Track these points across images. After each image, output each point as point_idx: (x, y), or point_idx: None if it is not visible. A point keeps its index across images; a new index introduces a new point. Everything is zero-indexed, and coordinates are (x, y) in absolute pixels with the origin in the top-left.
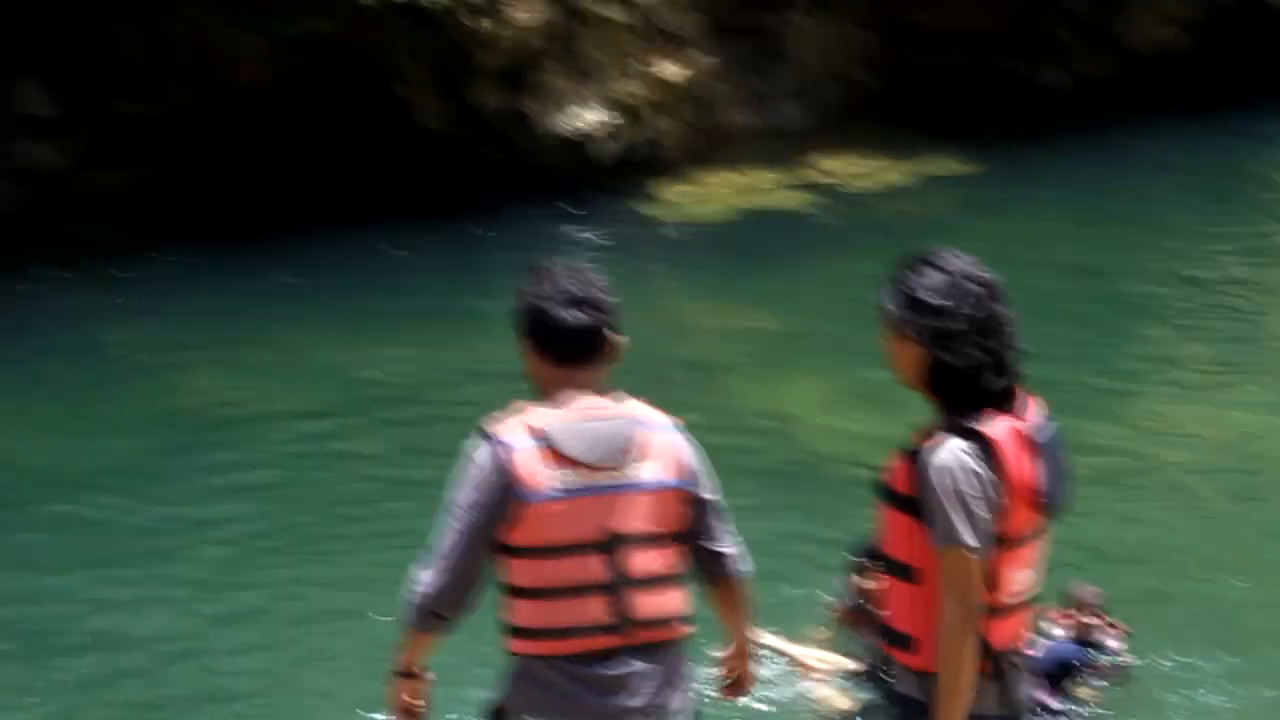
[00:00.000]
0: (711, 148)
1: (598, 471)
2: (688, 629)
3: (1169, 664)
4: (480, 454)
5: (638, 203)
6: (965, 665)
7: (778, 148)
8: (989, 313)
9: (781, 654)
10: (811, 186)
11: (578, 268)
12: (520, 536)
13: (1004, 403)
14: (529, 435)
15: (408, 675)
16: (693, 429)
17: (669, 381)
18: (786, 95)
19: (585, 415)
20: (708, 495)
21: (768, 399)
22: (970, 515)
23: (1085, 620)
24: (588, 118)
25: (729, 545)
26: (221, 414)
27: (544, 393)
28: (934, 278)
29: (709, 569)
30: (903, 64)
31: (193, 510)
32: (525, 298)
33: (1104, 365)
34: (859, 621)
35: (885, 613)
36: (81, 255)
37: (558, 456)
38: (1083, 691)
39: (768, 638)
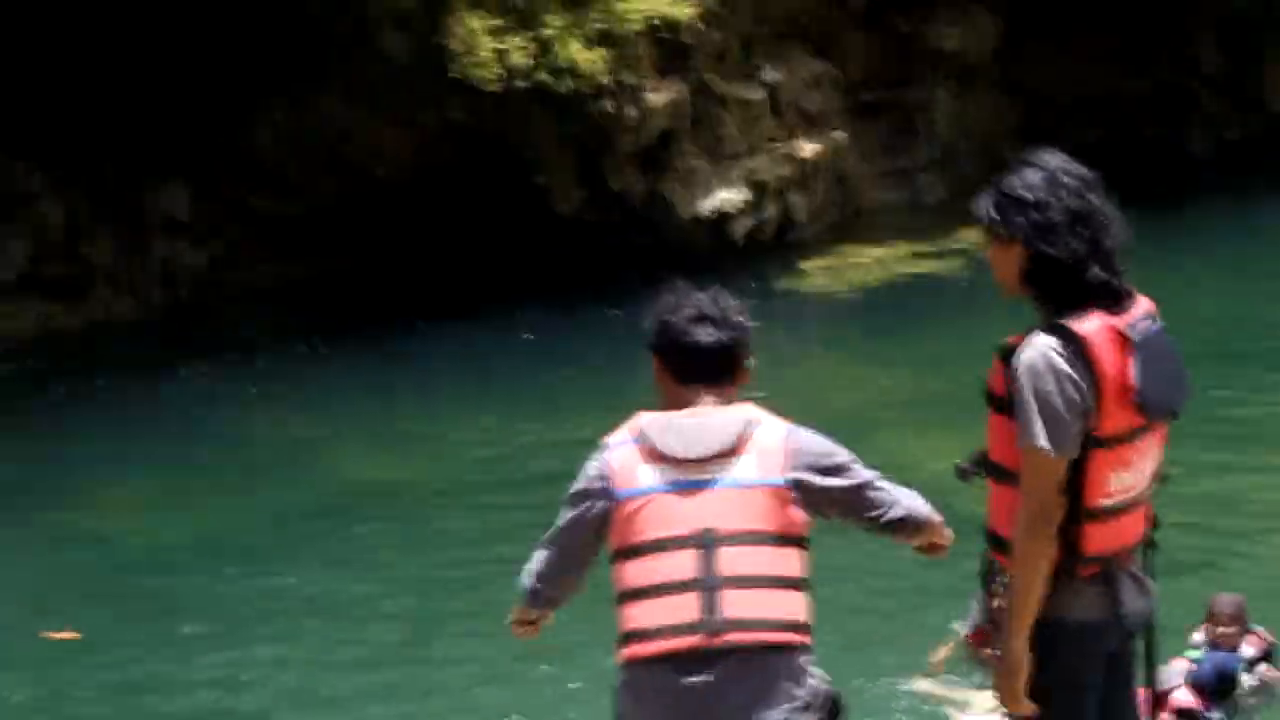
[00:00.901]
0: (850, 223)
1: (693, 467)
2: (793, 638)
3: None
4: (589, 460)
5: (778, 279)
6: (1034, 567)
7: (916, 221)
8: (1087, 204)
9: (937, 699)
10: (949, 255)
11: (712, 287)
12: (620, 536)
13: (1109, 298)
14: (629, 435)
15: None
16: None
17: None
18: (924, 169)
19: (691, 415)
20: (841, 484)
21: (906, 455)
22: (1050, 416)
23: (1223, 630)
24: (726, 196)
25: (894, 512)
26: (362, 495)
27: (669, 409)
28: (1029, 175)
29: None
30: (1042, 133)
31: (334, 585)
32: (657, 312)
33: (1243, 419)
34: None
35: (989, 515)
36: (227, 351)
37: (654, 453)
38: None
39: (921, 684)
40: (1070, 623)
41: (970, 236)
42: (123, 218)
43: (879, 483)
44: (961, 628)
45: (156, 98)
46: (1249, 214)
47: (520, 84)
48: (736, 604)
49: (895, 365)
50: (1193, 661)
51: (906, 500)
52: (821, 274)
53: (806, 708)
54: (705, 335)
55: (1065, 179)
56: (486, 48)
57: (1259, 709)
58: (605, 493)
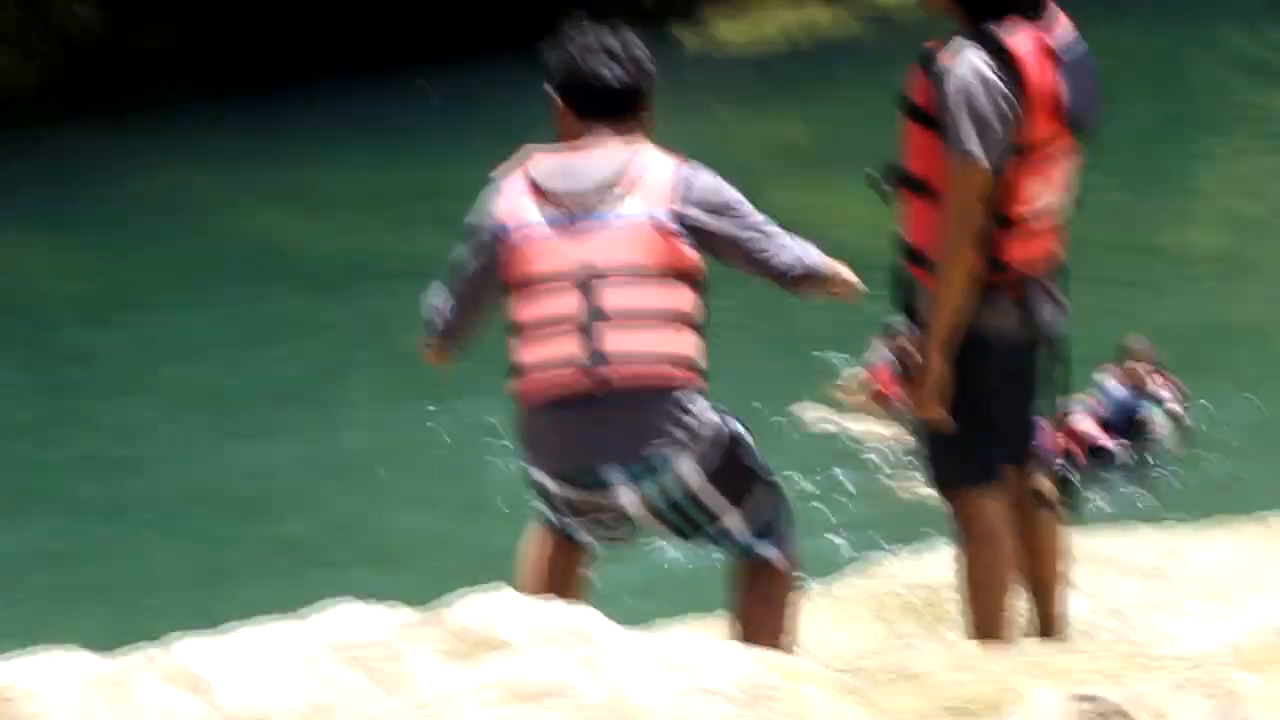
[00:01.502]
0: None
1: (577, 203)
2: (676, 374)
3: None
4: (482, 196)
5: (684, 33)
6: (958, 274)
7: None
8: None
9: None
10: (864, 17)
11: (620, 27)
12: (508, 271)
13: (1029, 7)
14: (520, 174)
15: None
16: None
17: None
18: None
19: (580, 153)
20: (744, 230)
21: (804, 201)
22: (981, 126)
23: (1137, 369)
24: None
25: (782, 260)
26: (267, 249)
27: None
28: None
29: (783, 286)
30: None
31: (226, 329)
32: (561, 46)
33: (1159, 149)
34: (892, 389)
35: (904, 229)
36: (128, 112)
37: (539, 190)
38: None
39: (809, 411)
40: (986, 333)
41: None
42: None
43: (769, 227)
44: (857, 366)
45: None
46: None
47: None
48: (616, 339)
49: (797, 119)
50: (1098, 398)
51: (800, 250)
52: (726, 31)
53: (692, 439)
54: (608, 70)
55: None
56: None
57: (1165, 450)
58: (493, 228)
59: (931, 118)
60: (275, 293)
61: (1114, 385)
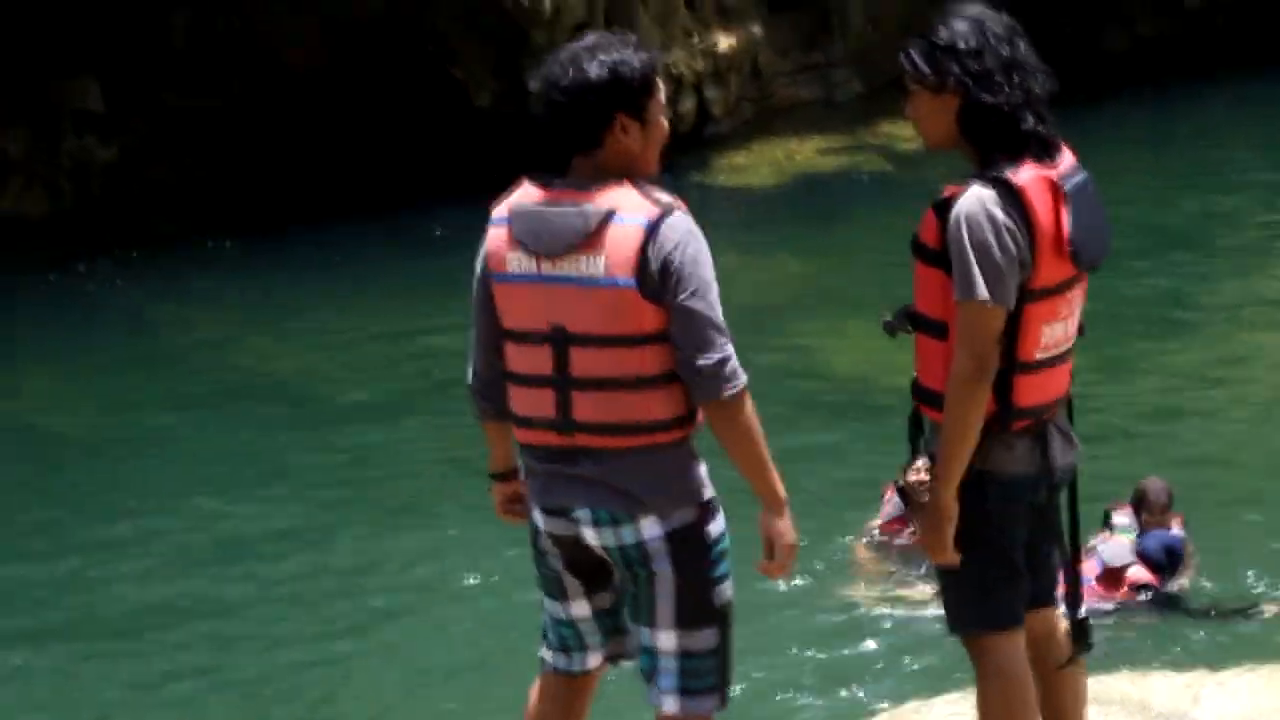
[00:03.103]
0: (766, 118)
1: (544, 260)
2: (650, 439)
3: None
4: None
5: (692, 172)
6: (970, 419)
7: (831, 117)
8: (1017, 51)
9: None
10: (862, 150)
11: (587, 43)
12: (501, 317)
13: (1042, 148)
14: (506, 213)
15: (497, 477)
16: (747, 369)
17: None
18: (839, 65)
19: (553, 198)
20: (675, 300)
21: (816, 342)
22: (990, 267)
23: (1158, 517)
24: None
25: (698, 358)
26: (273, 388)
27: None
28: (958, 25)
29: (688, 387)
30: None
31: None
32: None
33: (1184, 297)
34: (901, 529)
35: (917, 370)
36: (137, 246)
37: (516, 240)
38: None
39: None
40: (1002, 476)
41: (885, 131)
42: (35, 112)
43: (703, 325)
44: (874, 521)
45: None
46: (1165, 107)
47: None
48: (586, 406)
49: (806, 257)
50: (1134, 539)
51: (709, 381)
52: (736, 168)
53: (659, 500)
54: (545, 107)
55: (994, 27)
56: None
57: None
58: (485, 275)
59: (942, 258)
60: (279, 431)
61: (1130, 524)
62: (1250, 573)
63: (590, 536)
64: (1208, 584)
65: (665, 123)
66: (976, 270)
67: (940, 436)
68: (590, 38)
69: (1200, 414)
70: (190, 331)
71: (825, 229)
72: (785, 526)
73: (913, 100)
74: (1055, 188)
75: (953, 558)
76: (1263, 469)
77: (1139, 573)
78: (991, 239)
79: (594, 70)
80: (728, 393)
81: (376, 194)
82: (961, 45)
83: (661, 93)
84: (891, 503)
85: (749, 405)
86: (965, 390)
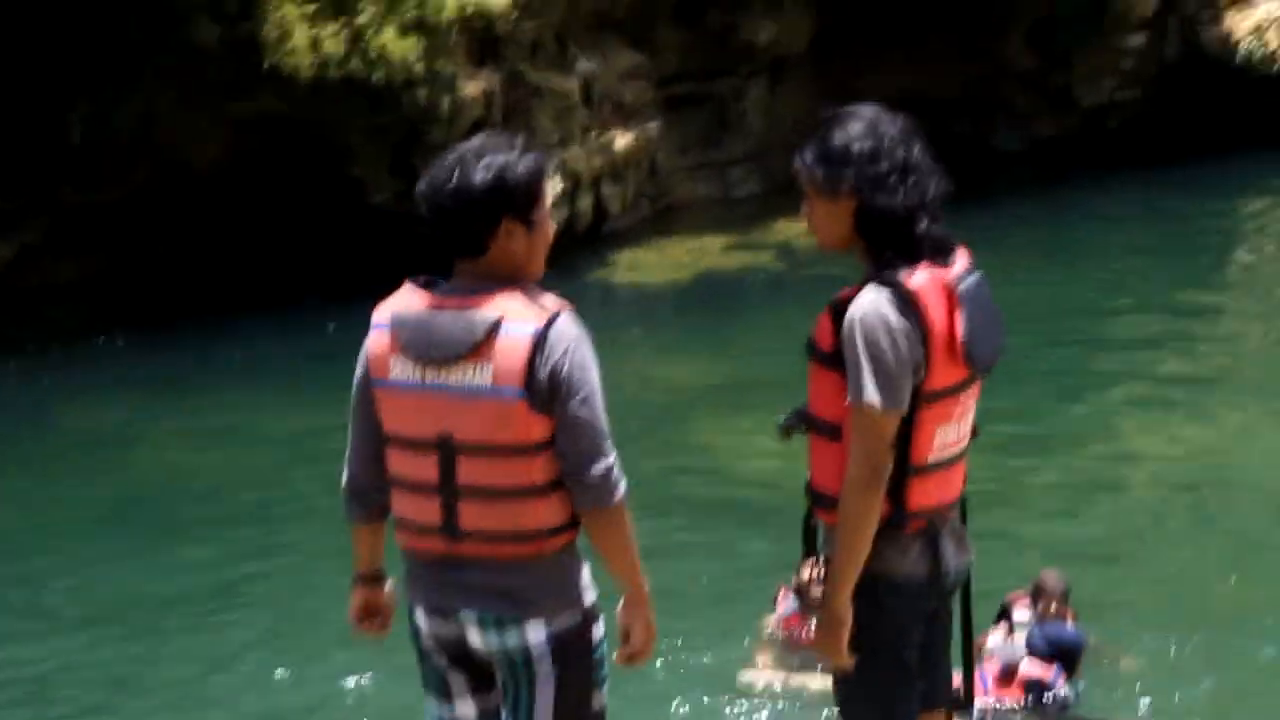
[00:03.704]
0: (663, 216)
1: (429, 368)
2: (535, 547)
3: (1141, 649)
4: (367, 338)
5: (589, 270)
6: (864, 524)
7: (729, 215)
8: (912, 154)
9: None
10: (760, 248)
11: (462, 154)
12: (381, 421)
13: (937, 250)
14: (388, 318)
15: (361, 579)
16: (644, 468)
17: (622, 425)
18: (737, 163)
19: (438, 305)
20: (563, 409)
21: (715, 442)
22: (882, 372)
23: (1055, 609)
24: None
25: (587, 468)
26: (165, 487)
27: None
28: (852, 127)
29: (571, 493)
30: None
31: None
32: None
33: (1074, 392)
34: (798, 625)
35: (811, 472)
36: (31, 342)
37: (401, 347)
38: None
39: (747, 675)
40: (896, 578)
41: (782, 230)
42: None
43: (591, 433)
44: (771, 618)
45: None
46: (1061, 205)
47: (334, 73)
48: (471, 515)
49: (705, 355)
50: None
51: (596, 492)
52: (633, 266)
53: (542, 605)
54: (430, 212)
55: (889, 129)
56: (301, 36)
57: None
58: (366, 379)
59: (836, 360)
60: (187, 533)
61: (1030, 617)
62: (1141, 682)
63: (475, 639)
64: (1104, 689)
65: (551, 226)
66: (869, 374)
67: (835, 540)
68: (476, 140)
69: (1097, 507)
70: (81, 426)
71: (722, 327)
72: (649, 616)
73: (808, 203)
74: (949, 290)
75: (847, 661)
76: (1158, 566)
77: (1029, 668)
78: (885, 343)
79: (478, 175)
80: (614, 500)
81: (272, 291)
82: (856, 149)
83: (548, 196)
84: (786, 600)
85: (626, 511)
86: (859, 495)
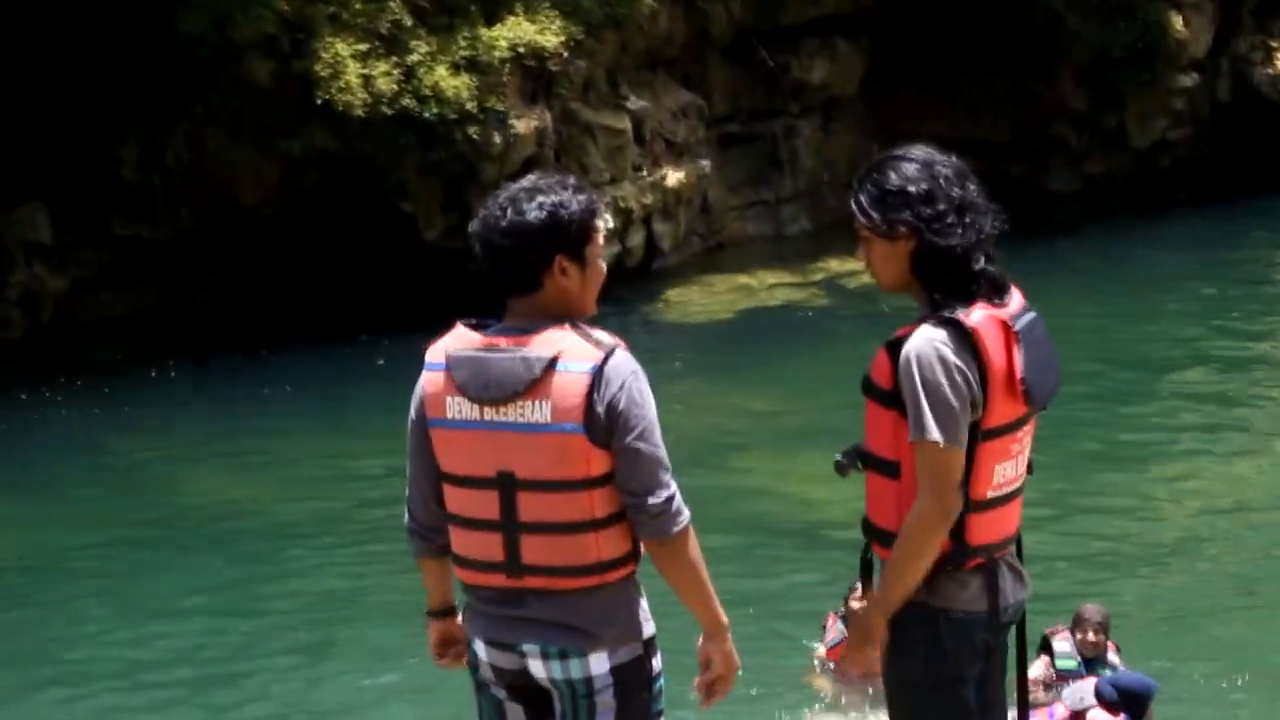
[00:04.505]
0: (714, 253)
1: (487, 407)
2: (590, 581)
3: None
4: (421, 379)
5: (639, 305)
6: (924, 557)
7: (779, 252)
8: (967, 193)
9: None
10: (810, 285)
11: (518, 191)
12: (438, 461)
13: (993, 288)
14: (443, 358)
15: (435, 615)
16: (692, 502)
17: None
18: (788, 201)
19: (492, 344)
20: (621, 443)
21: (767, 474)
22: (943, 408)
23: (1094, 639)
24: None
25: (646, 499)
26: (214, 515)
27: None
28: (906, 168)
29: (634, 525)
30: None
31: (183, 603)
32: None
33: (1113, 429)
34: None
35: (868, 508)
36: (86, 375)
37: (456, 386)
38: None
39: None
40: (955, 613)
41: (833, 268)
42: None
43: (650, 465)
44: (820, 647)
45: (16, 120)
46: (1112, 244)
47: (386, 110)
48: (534, 550)
49: (756, 390)
50: (1094, 676)
51: (659, 518)
52: (684, 303)
53: (604, 637)
54: (484, 249)
55: (943, 169)
56: (352, 73)
57: None
58: (422, 420)
59: (893, 398)
60: (222, 561)
61: (1070, 649)
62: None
63: (538, 669)
64: None
65: (603, 265)
66: (928, 412)
67: (888, 564)
68: (530, 179)
69: (1147, 546)
70: (132, 457)
71: (772, 364)
72: (729, 649)
73: (865, 245)
74: (1006, 328)
75: (869, 667)
76: (1208, 605)
77: (1098, 716)
78: (944, 380)
79: (533, 213)
80: (675, 529)
81: (323, 326)
82: (912, 190)
83: (601, 235)
84: (835, 628)
85: (693, 538)
86: (927, 530)
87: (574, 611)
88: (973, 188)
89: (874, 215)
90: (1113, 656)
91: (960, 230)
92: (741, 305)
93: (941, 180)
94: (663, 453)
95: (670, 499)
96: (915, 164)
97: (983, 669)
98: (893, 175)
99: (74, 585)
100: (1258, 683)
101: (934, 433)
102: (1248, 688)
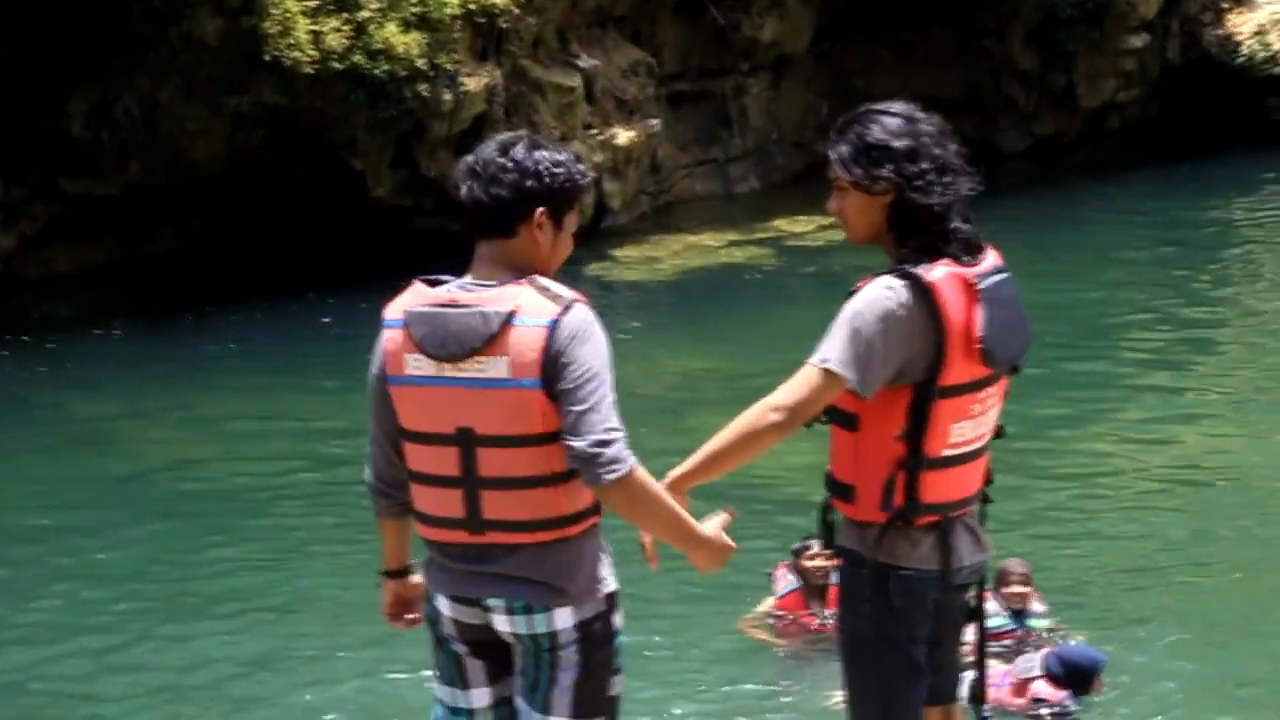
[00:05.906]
0: (664, 212)
1: (445, 364)
2: (550, 534)
3: (1144, 658)
4: (379, 335)
5: (590, 265)
6: (746, 448)
7: (729, 211)
8: (947, 152)
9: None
10: (760, 244)
11: (518, 140)
12: (398, 417)
13: (965, 248)
14: (401, 315)
15: (390, 574)
16: (648, 460)
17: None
18: (737, 159)
19: (451, 300)
20: (555, 387)
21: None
22: (855, 346)
23: (1016, 591)
24: None
25: (573, 442)
26: (161, 472)
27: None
28: (889, 122)
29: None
30: None
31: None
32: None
33: (1061, 388)
34: (799, 608)
35: (832, 463)
36: (33, 332)
37: (415, 343)
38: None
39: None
40: (906, 571)
41: (781, 226)
42: None
43: (583, 408)
44: (769, 600)
45: None
46: (1061, 204)
47: (336, 66)
48: (495, 505)
49: (705, 348)
50: (1027, 631)
51: (590, 462)
52: (633, 262)
53: (568, 590)
54: (469, 189)
55: (925, 126)
56: (302, 29)
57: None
58: (382, 377)
59: None
60: (188, 517)
61: (997, 608)
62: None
63: (501, 624)
64: (1124, 710)
65: (571, 241)
66: (839, 343)
67: (713, 440)
68: (527, 135)
69: (1099, 509)
70: (79, 415)
71: (722, 322)
72: (706, 554)
73: (840, 195)
74: (969, 286)
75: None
76: (1164, 568)
77: (1040, 688)
78: (873, 326)
79: (530, 160)
80: (608, 478)
81: (271, 283)
82: (896, 145)
83: (578, 212)
84: (784, 579)
85: (637, 485)
86: (765, 428)
87: (538, 566)
88: (953, 148)
89: (855, 167)
90: (1037, 605)
91: (939, 189)
92: (691, 264)
93: (924, 138)
94: (599, 400)
95: (602, 443)
96: (897, 120)
97: (935, 629)
98: (875, 129)
99: (18, 547)
100: (1214, 647)
101: (834, 363)
102: (1203, 654)
